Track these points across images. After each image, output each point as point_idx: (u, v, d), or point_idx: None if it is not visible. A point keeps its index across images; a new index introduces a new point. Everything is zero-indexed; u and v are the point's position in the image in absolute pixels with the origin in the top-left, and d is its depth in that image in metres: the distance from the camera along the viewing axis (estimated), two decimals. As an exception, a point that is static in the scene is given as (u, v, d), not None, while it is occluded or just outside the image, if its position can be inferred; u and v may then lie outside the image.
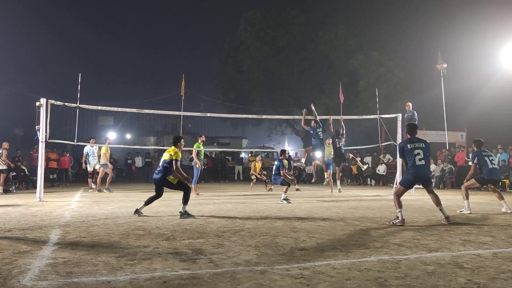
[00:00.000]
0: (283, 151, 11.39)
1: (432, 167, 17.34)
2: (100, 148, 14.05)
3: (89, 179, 14.87)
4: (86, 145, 14.08)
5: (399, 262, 3.84)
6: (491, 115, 23.55)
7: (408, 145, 6.50)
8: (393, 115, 14.18)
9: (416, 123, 13.35)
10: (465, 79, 22.35)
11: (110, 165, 13.95)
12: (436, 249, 4.43)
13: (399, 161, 6.80)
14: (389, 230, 5.73)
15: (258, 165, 15.06)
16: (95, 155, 14.56)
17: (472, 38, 21.80)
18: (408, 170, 6.54)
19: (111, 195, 12.39)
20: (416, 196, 11.85)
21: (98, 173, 14.25)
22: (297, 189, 14.36)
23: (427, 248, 4.48)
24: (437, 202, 6.52)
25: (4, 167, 13.49)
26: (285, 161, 11.20)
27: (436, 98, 19.16)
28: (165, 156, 7.44)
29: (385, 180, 19.93)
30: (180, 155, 7.53)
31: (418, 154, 6.40)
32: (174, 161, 7.22)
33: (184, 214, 7.11)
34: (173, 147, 7.58)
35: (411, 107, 13.49)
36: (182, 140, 7.83)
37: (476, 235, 5.35)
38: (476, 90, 23.31)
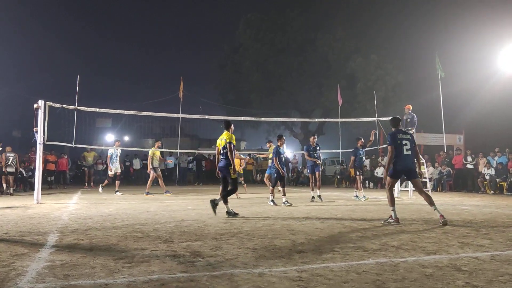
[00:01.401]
0: (280, 136, 10.34)
1: (430, 169, 17.35)
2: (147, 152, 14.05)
3: (117, 182, 14.44)
4: (86, 147, 14.07)
5: (397, 265, 3.83)
6: (488, 118, 23.61)
7: (398, 135, 6.77)
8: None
9: (415, 126, 13.38)
10: (463, 82, 22.42)
11: (155, 170, 13.54)
12: (434, 252, 4.43)
13: (389, 149, 6.89)
14: (387, 233, 5.73)
15: (238, 161, 14.78)
16: (118, 159, 14.51)
17: (470, 41, 21.90)
18: (395, 160, 6.70)
19: (109, 197, 12.36)
20: (414, 199, 11.86)
21: (117, 175, 14.31)
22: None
23: (425, 251, 4.48)
24: (430, 202, 6.64)
25: (13, 169, 14.00)
26: (285, 149, 10.85)
27: (434, 101, 19.20)
28: (222, 143, 7.55)
29: (383, 183, 19.91)
30: (234, 137, 7.65)
31: (406, 144, 6.67)
32: (228, 144, 7.32)
33: (231, 213, 7.48)
34: (225, 131, 7.66)
35: (411, 110, 13.47)
36: (232, 125, 7.90)
37: (474, 237, 5.35)
38: (473, 93, 23.38)
